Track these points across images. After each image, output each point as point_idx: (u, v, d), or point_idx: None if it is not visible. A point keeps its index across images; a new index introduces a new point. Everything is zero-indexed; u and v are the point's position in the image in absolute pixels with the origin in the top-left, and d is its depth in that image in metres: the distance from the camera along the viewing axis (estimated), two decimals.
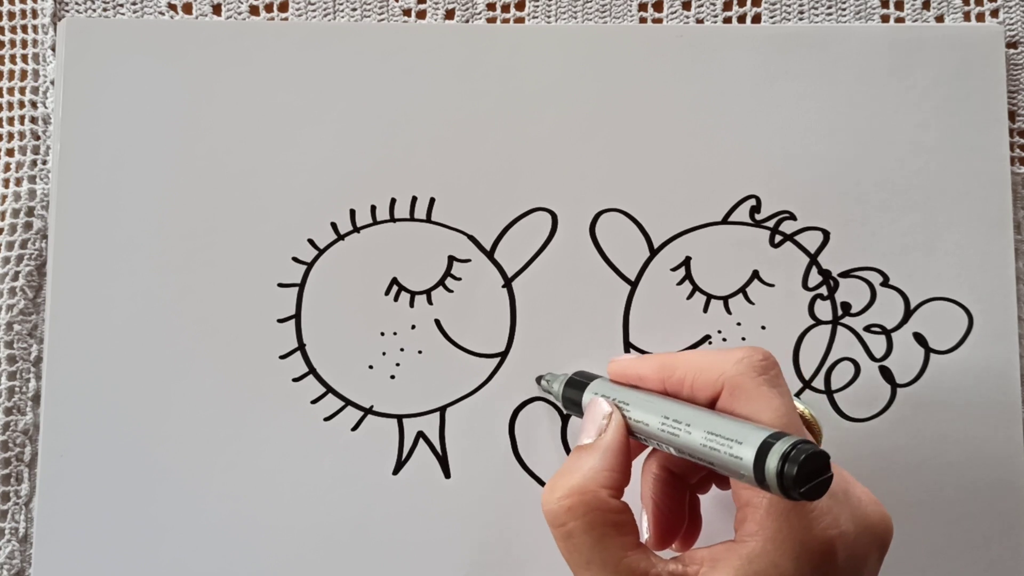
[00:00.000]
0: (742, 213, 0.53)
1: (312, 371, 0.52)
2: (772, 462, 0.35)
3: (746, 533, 0.38)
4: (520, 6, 0.55)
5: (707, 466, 0.38)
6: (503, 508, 0.52)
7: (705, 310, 0.52)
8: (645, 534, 0.45)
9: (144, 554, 0.51)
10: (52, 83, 0.54)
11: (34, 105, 0.55)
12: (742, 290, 0.52)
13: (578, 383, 0.47)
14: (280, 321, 0.52)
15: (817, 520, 0.38)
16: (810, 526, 0.37)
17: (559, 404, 0.50)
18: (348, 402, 0.52)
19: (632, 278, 0.53)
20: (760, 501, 0.38)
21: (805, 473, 0.34)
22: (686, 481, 0.46)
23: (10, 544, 0.52)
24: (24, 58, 0.55)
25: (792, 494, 0.34)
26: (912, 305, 0.52)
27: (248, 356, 0.52)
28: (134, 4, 0.55)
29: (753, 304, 0.52)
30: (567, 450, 0.52)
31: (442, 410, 0.52)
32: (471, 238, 0.53)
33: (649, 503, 0.45)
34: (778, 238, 0.53)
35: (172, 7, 0.55)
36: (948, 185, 0.53)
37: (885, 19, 0.55)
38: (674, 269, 0.53)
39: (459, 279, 0.53)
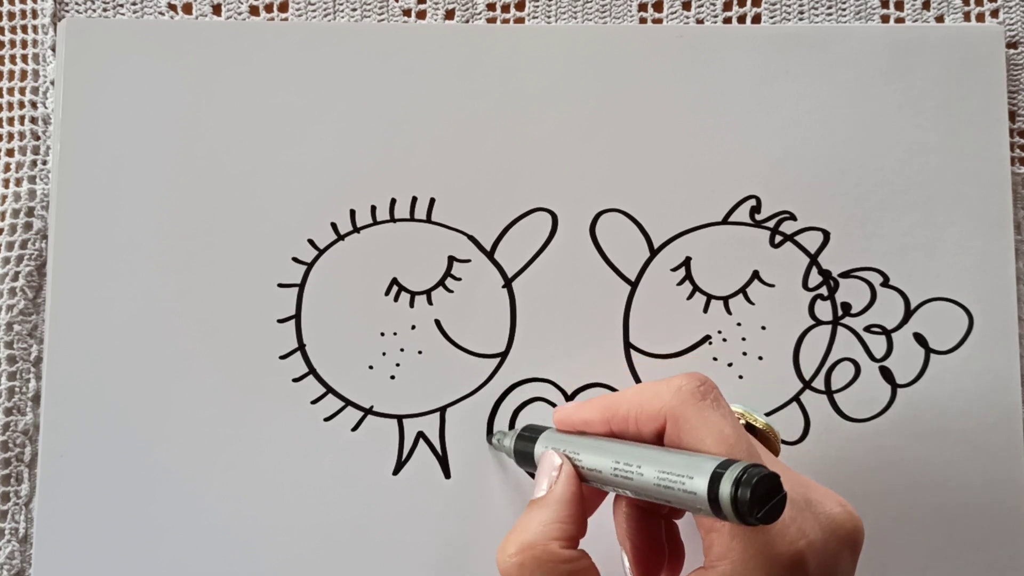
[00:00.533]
0: (742, 213, 0.53)
1: (312, 371, 0.52)
2: (724, 491, 0.34)
3: (714, 558, 0.38)
4: (520, 6, 0.55)
5: (663, 504, 0.39)
6: (503, 508, 0.51)
7: (705, 310, 0.52)
8: (628, 575, 0.45)
9: (144, 554, 0.51)
10: (52, 83, 0.54)
11: (34, 105, 0.54)
12: (742, 290, 0.52)
13: (528, 437, 0.47)
14: (280, 321, 0.52)
15: (782, 534, 0.37)
16: (775, 541, 0.37)
17: (512, 460, 0.49)
18: (348, 402, 0.52)
19: (632, 278, 0.53)
20: (722, 525, 0.38)
21: (759, 497, 0.34)
22: (657, 513, 0.46)
23: (10, 544, 0.52)
24: (24, 58, 0.55)
25: (749, 520, 0.34)
26: (912, 305, 0.52)
27: (248, 356, 0.52)
28: (134, 4, 0.55)
29: (753, 304, 0.52)
30: None
31: (442, 410, 0.52)
32: (471, 238, 0.53)
33: (626, 542, 0.45)
34: (778, 238, 0.53)
35: (172, 7, 0.55)
36: (948, 185, 0.53)
37: (885, 19, 0.55)
38: (674, 269, 0.53)
39: (459, 279, 0.53)
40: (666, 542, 0.46)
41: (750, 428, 0.44)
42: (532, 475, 0.46)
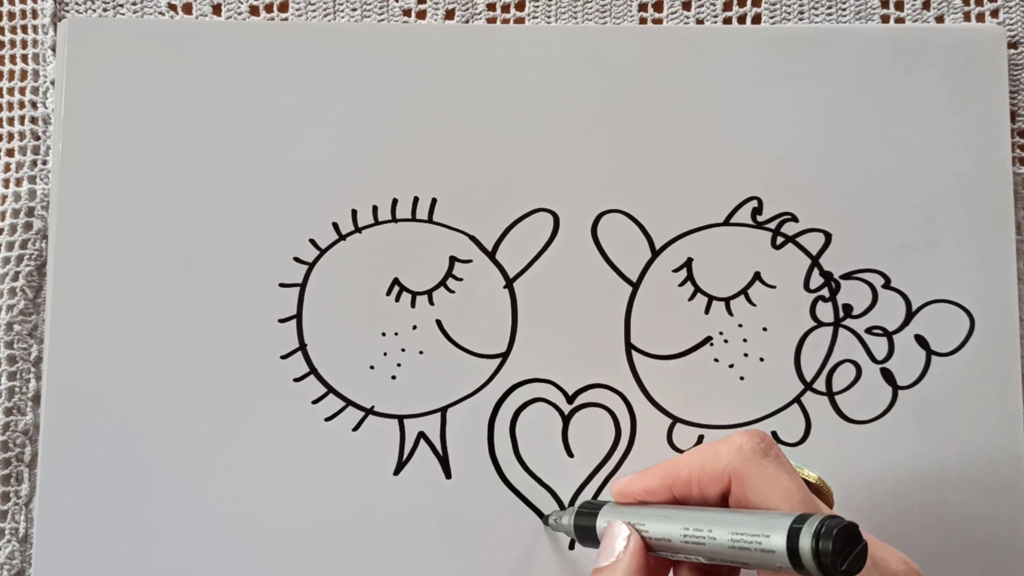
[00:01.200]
0: (744, 214, 0.53)
1: (313, 371, 0.52)
2: (805, 545, 0.34)
3: None
4: (520, 6, 0.55)
5: (740, 566, 0.38)
6: (504, 509, 0.52)
7: (707, 311, 0.52)
8: None
9: (144, 554, 0.51)
10: (52, 83, 0.54)
11: (34, 105, 0.54)
12: (744, 291, 0.53)
13: (587, 513, 0.46)
14: (281, 321, 0.52)
15: None
16: None
17: (573, 537, 0.48)
18: (349, 402, 0.52)
19: (634, 279, 0.53)
20: None
21: (840, 548, 0.34)
22: (720, 573, 0.45)
23: (10, 544, 0.52)
24: (24, 58, 0.55)
25: (833, 573, 0.34)
26: (914, 307, 0.52)
27: (249, 356, 0.52)
28: (134, 4, 0.55)
29: (755, 306, 0.52)
30: (568, 451, 0.52)
31: (443, 411, 0.52)
32: (472, 238, 0.53)
33: None
34: (780, 239, 0.53)
35: (172, 7, 0.55)
36: (949, 186, 0.53)
37: (885, 19, 0.55)
38: (676, 270, 0.53)
39: (460, 279, 0.53)
40: None
41: (806, 484, 0.44)
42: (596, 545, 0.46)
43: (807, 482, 0.44)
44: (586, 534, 0.46)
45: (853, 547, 0.34)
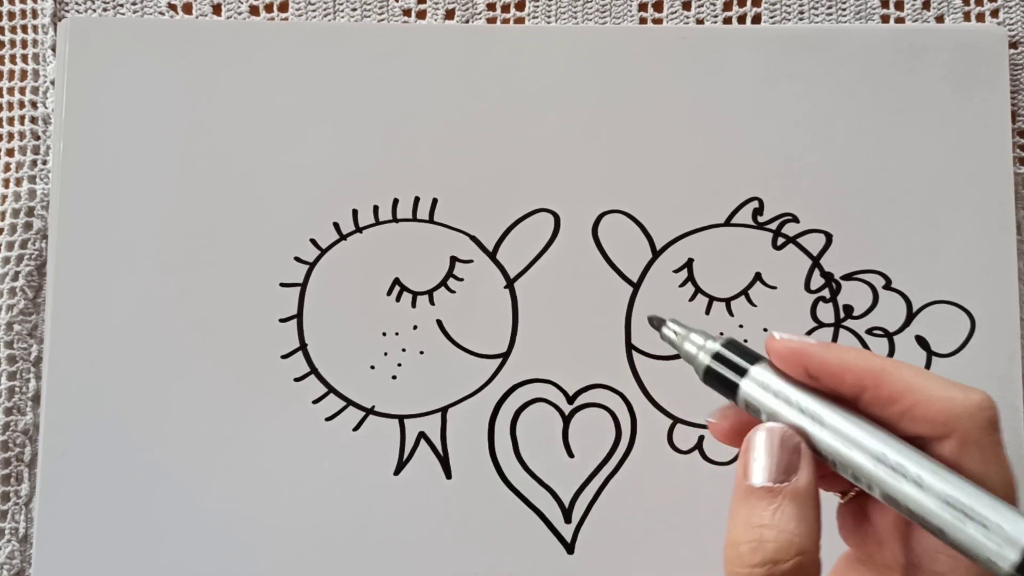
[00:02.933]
0: (745, 215, 0.53)
1: (313, 371, 0.52)
2: None
3: None
4: (520, 6, 0.55)
5: (934, 531, 0.32)
6: (504, 509, 0.52)
7: (707, 312, 0.52)
8: None
9: (144, 554, 0.51)
10: (52, 83, 0.54)
11: (34, 105, 0.54)
12: (744, 292, 0.53)
13: (732, 365, 0.37)
14: (282, 321, 0.52)
15: None
16: None
17: (697, 371, 0.38)
18: (349, 402, 0.52)
19: (634, 279, 0.53)
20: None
21: None
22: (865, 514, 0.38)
23: (10, 544, 0.52)
24: (24, 58, 0.55)
25: None
26: (914, 308, 0.53)
27: (249, 356, 0.52)
28: (134, 4, 0.55)
29: (755, 306, 0.53)
30: (568, 451, 0.52)
31: (443, 411, 0.52)
32: (473, 239, 0.53)
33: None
34: (780, 240, 0.53)
35: (172, 7, 0.55)
36: (950, 187, 0.53)
37: (885, 19, 0.55)
38: (676, 271, 0.53)
39: (461, 280, 0.53)
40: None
41: None
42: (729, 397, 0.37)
43: None
44: (721, 385, 0.37)
45: None
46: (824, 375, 0.35)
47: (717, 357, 0.37)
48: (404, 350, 0.52)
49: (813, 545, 0.33)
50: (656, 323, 0.40)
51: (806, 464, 0.34)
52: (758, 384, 0.36)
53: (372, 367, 0.52)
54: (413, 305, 0.52)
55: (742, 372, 0.36)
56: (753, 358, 0.37)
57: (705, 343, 0.38)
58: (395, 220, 0.53)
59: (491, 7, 0.55)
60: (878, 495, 0.33)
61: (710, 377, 0.37)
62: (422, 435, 0.52)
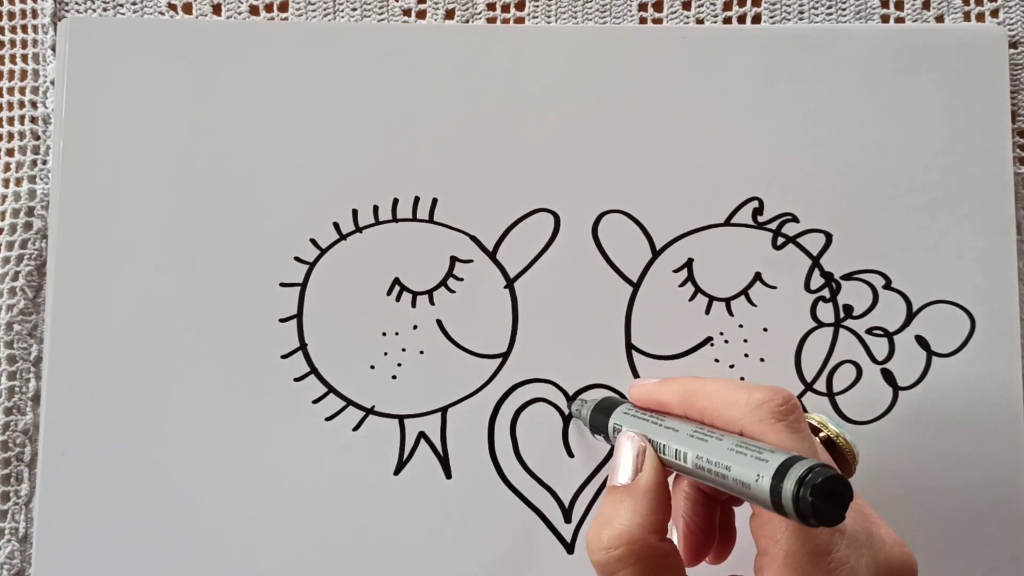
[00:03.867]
0: (744, 215, 0.53)
1: (313, 371, 0.52)
2: (789, 486, 0.33)
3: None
4: (520, 6, 0.55)
5: (733, 494, 0.37)
6: (504, 509, 0.52)
7: (707, 312, 0.52)
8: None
9: (144, 554, 0.51)
10: (52, 83, 0.54)
11: (34, 105, 0.54)
12: (744, 292, 0.53)
13: (604, 409, 0.46)
14: (282, 321, 0.52)
15: (836, 571, 0.37)
16: (827, 568, 0.37)
17: (587, 430, 0.49)
18: (349, 402, 0.52)
19: (634, 279, 0.53)
20: (777, 551, 0.37)
21: (823, 494, 0.33)
22: (717, 499, 0.45)
23: (10, 544, 0.52)
24: (24, 58, 0.55)
25: (809, 520, 0.33)
26: (914, 308, 0.53)
27: (249, 356, 0.52)
28: (134, 4, 0.55)
29: (755, 306, 0.52)
30: (568, 451, 0.52)
31: (443, 410, 0.52)
32: (473, 238, 0.53)
33: (679, 521, 0.45)
34: (780, 240, 0.53)
35: (172, 7, 0.55)
36: (950, 187, 0.53)
37: (885, 19, 0.55)
38: (676, 271, 0.53)
39: (461, 279, 0.53)
40: (719, 527, 0.46)
41: (829, 442, 0.43)
42: (606, 443, 0.46)
43: (831, 441, 0.43)
44: (599, 431, 0.46)
45: (839, 501, 0.33)
46: (667, 403, 0.43)
47: (597, 408, 0.47)
48: (404, 350, 0.52)
49: (643, 535, 0.39)
50: (568, 408, 0.52)
51: (648, 467, 0.41)
52: (623, 414, 0.45)
53: (372, 367, 0.52)
54: (413, 305, 0.52)
55: (610, 412, 0.46)
56: (618, 403, 0.46)
57: (585, 402, 0.49)
58: (395, 220, 0.53)
59: (491, 7, 0.55)
60: (691, 465, 0.39)
61: (592, 425, 0.47)
62: (422, 435, 0.52)
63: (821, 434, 0.43)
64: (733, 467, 0.36)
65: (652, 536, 0.39)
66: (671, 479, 0.44)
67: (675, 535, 0.45)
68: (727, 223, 0.53)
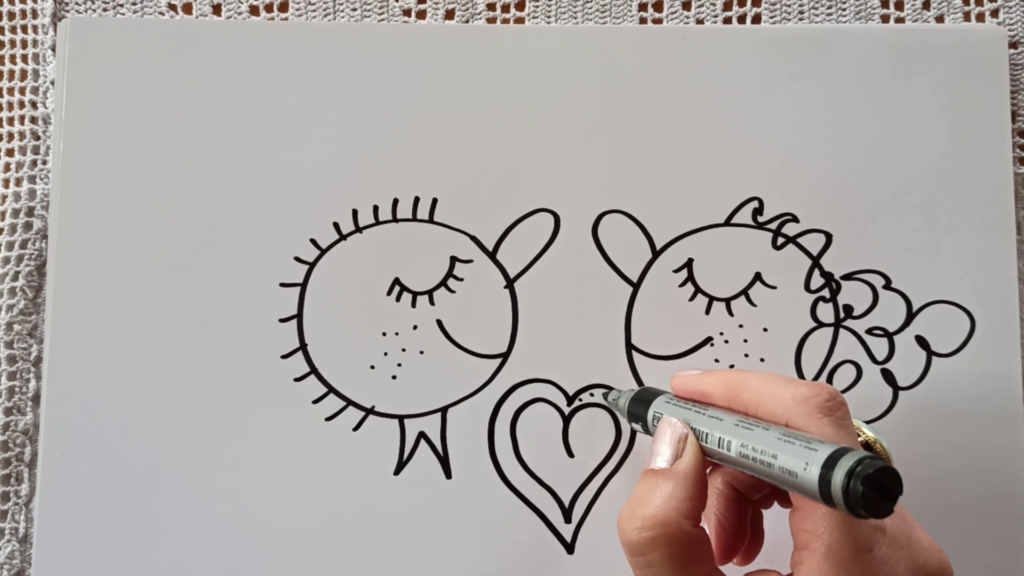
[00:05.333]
0: (745, 215, 0.53)
1: (314, 371, 0.52)
2: (839, 476, 0.33)
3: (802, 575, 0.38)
4: (520, 6, 0.55)
5: (775, 483, 0.37)
6: (504, 509, 0.52)
7: (707, 312, 0.52)
8: None
9: (145, 554, 0.51)
10: (52, 83, 0.54)
11: (34, 105, 0.54)
12: (744, 292, 0.53)
13: (644, 398, 0.46)
14: (282, 321, 0.52)
15: (876, 569, 0.37)
16: (869, 574, 0.37)
17: (624, 419, 0.49)
18: (349, 402, 0.52)
19: (634, 279, 0.53)
20: (818, 546, 0.37)
21: (874, 485, 0.33)
22: (749, 498, 0.45)
23: (10, 544, 0.52)
24: (24, 58, 0.55)
25: (859, 510, 0.33)
26: (914, 308, 0.53)
27: (249, 356, 0.52)
28: (134, 4, 0.55)
29: (755, 306, 0.52)
30: (568, 451, 0.52)
31: (443, 411, 0.52)
32: (473, 239, 0.53)
33: (712, 518, 0.45)
34: (780, 240, 0.53)
35: (172, 7, 0.55)
36: (950, 187, 0.53)
37: (885, 19, 0.55)
38: (676, 271, 0.53)
39: (461, 280, 0.53)
40: (750, 528, 0.46)
41: (867, 447, 0.44)
42: (644, 432, 0.46)
43: (868, 446, 0.44)
44: (638, 420, 0.46)
45: (887, 495, 0.34)
46: (710, 395, 0.43)
47: (635, 396, 0.47)
48: (404, 350, 0.52)
49: (677, 518, 0.39)
50: (604, 397, 0.52)
51: (689, 452, 0.41)
52: (664, 403, 0.45)
53: (372, 367, 0.52)
54: (413, 305, 0.52)
55: (649, 401, 0.46)
56: (658, 393, 0.46)
57: (622, 392, 0.49)
58: (395, 220, 0.53)
59: (491, 7, 0.55)
60: (735, 453, 0.39)
61: (631, 414, 0.47)
62: (422, 435, 0.52)
63: (860, 438, 0.43)
64: (780, 455, 0.36)
65: (686, 521, 0.39)
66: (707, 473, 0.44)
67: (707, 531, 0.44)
68: (727, 223, 0.53)
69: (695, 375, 0.44)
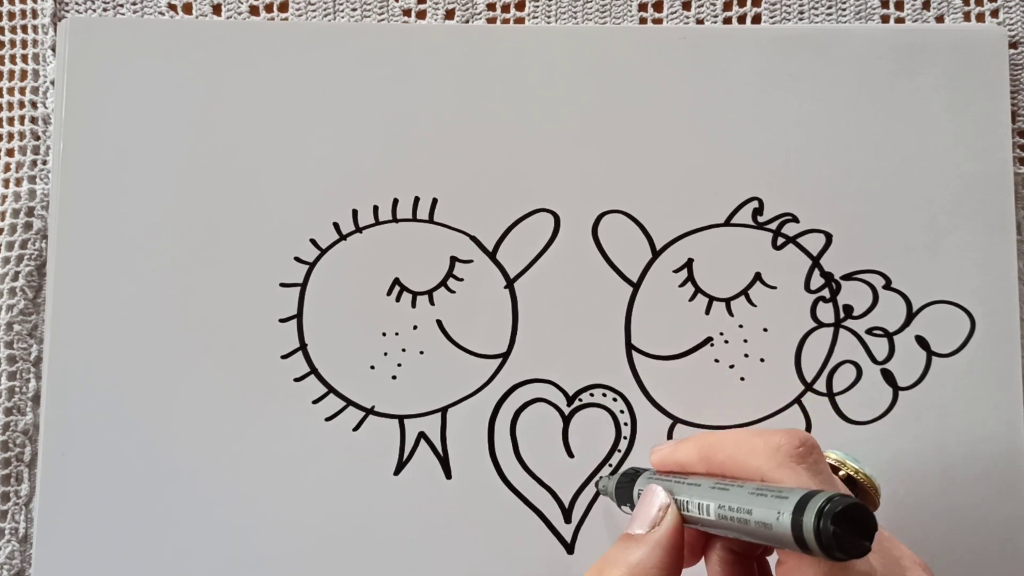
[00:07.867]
0: (744, 215, 0.53)
1: (313, 371, 0.52)
2: (809, 519, 0.33)
3: None
4: (520, 6, 0.55)
5: (756, 541, 0.37)
6: (504, 509, 0.52)
7: (707, 312, 0.52)
8: None
9: (145, 554, 0.51)
10: (52, 83, 0.54)
11: (34, 105, 0.54)
12: (744, 292, 0.53)
13: (628, 479, 0.46)
14: (282, 321, 0.52)
15: None
16: None
17: (615, 502, 0.48)
18: (349, 402, 0.52)
19: (634, 280, 0.53)
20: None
21: (844, 523, 0.32)
22: (751, 556, 0.44)
23: (10, 544, 0.52)
24: (24, 58, 0.55)
25: (833, 552, 0.32)
26: (914, 308, 0.53)
27: (249, 356, 0.52)
28: (134, 4, 0.55)
29: (755, 306, 0.52)
30: (568, 451, 0.52)
31: (443, 411, 0.52)
32: (473, 239, 0.53)
33: None
34: (780, 240, 0.53)
35: (172, 7, 0.55)
36: (951, 187, 0.53)
37: (885, 19, 0.55)
38: (676, 271, 0.53)
39: (461, 280, 0.53)
40: None
41: (850, 480, 0.43)
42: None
43: (851, 479, 0.43)
44: (625, 499, 0.46)
45: (863, 532, 0.33)
46: (686, 463, 0.43)
47: (620, 479, 0.47)
48: (404, 350, 0.52)
49: None
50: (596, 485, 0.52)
51: (667, 522, 0.40)
52: (647, 480, 0.44)
53: (372, 367, 0.52)
54: (413, 305, 0.52)
55: (634, 481, 0.46)
56: (641, 471, 0.46)
57: (610, 478, 0.49)
58: (395, 220, 0.53)
59: (491, 7, 0.55)
60: (727, 533, 0.38)
61: (618, 494, 0.47)
62: (422, 435, 0.52)
63: (841, 472, 0.43)
64: (755, 509, 0.36)
65: None
66: (705, 547, 0.44)
67: None
68: (727, 223, 0.53)
69: (670, 446, 0.44)
